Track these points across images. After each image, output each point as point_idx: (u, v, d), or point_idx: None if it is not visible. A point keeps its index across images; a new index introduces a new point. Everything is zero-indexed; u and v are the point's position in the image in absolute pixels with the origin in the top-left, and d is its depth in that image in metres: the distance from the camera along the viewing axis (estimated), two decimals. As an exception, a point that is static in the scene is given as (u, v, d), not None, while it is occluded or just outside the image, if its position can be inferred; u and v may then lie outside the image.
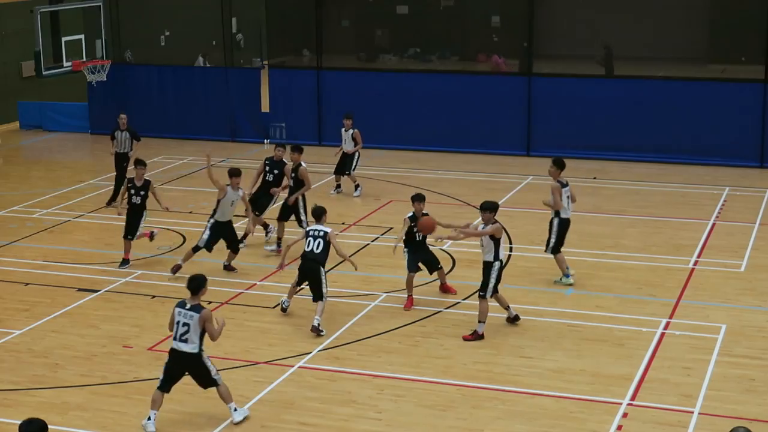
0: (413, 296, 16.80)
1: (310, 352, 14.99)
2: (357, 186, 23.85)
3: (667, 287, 17.59)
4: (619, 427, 12.76)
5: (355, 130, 23.71)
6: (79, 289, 17.67)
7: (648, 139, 27.09)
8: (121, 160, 23.37)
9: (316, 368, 14.49)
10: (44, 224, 21.69)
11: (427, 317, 16.30)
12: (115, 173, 23.48)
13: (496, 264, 15.45)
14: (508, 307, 15.96)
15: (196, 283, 12.64)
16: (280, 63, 33.30)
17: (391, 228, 20.95)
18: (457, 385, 13.96)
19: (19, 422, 9.37)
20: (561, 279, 17.73)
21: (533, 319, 16.12)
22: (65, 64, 25.99)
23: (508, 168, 26.62)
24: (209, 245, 18.32)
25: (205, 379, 12.79)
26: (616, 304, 16.82)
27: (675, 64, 31.84)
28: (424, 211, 16.77)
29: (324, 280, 15.90)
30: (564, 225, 17.63)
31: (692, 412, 13.09)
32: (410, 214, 16.79)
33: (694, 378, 14.08)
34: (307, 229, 16.40)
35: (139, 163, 19.18)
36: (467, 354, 14.95)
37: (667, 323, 15.97)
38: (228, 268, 18.60)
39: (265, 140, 30.18)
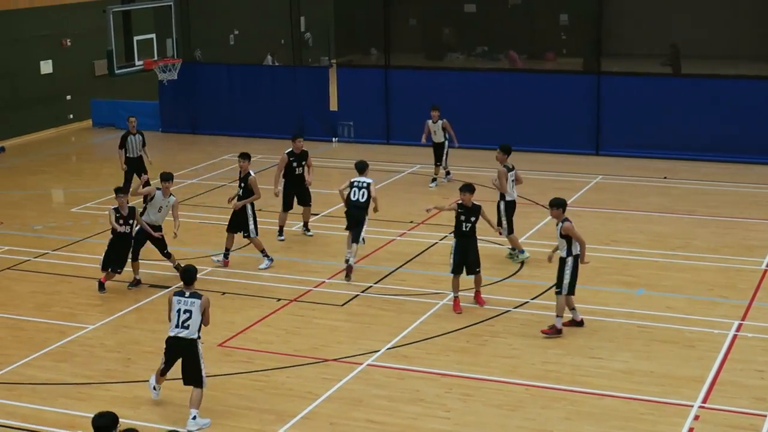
0: (459, 297, 16.58)
1: (378, 350, 15.00)
2: (447, 173, 24.73)
3: (739, 288, 17.33)
4: (690, 430, 12.59)
5: (444, 120, 24.15)
6: (151, 285, 17.86)
7: (717, 138, 26.71)
8: (135, 164, 23.22)
9: (384, 366, 14.49)
10: (116, 221, 21.90)
11: (495, 316, 16.22)
12: (124, 180, 23.17)
13: (569, 260, 15.33)
14: (574, 308, 15.76)
15: (190, 274, 13.15)
16: (348, 62, 33.40)
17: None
18: (526, 384, 13.88)
19: (92, 415, 9.50)
20: (516, 254, 18.64)
21: (602, 319, 15.97)
22: (137, 62, 26.28)
23: (576, 167, 26.42)
24: (136, 249, 17.78)
25: (194, 375, 12.86)
26: (687, 305, 16.60)
27: (745, 62, 31.36)
28: (475, 202, 16.56)
29: (365, 225, 18.05)
30: (510, 207, 18.55)
31: (765, 416, 12.88)
32: (459, 202, 16.65)
33: (767, 381, 13.85)
34: (352, 180, 18.32)
35: (120, 191, 17.60)
36: (536, 354, 14.85)
37: (740, 325, 15.73)
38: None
39: (334, 139, 30.26)
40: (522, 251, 18.72)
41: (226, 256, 18.84)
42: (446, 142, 24.30)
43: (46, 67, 32.59)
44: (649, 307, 16.57)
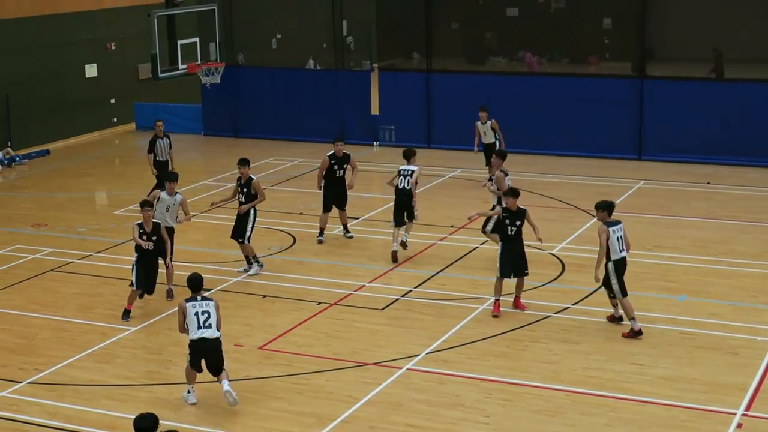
0: (500, 301, 16.56)
1: (418, 355, 14.98)
2: (491, 177, 24.13)
3: (783, 295, 17.16)
4: (733, 438, 12.48)
5: (493, 120, 24.14)
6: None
7: (761, 143, 26.45)
8: (163, 167, 23.29)
9: (424, 371, 14.47)
10: (159, 223, 22.04)
11: (535, 321, 16.16)
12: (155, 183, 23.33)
13: (609, 265, 15.44)
14: (633, 318, 15.60)
15: (196, 282, 13.55)
16: (390, 65, 33.32)
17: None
18: (566, 390, 13.81)
19: (133, 417, 9.56)
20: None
21: (644, 325, 15.84)
22: (180, 66, 26.43)
23: (618, 172, 26.26)
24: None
25: (220, 366, 13.36)
26: (730, 312, 16.44)
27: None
28: (520, 206, 16.51)
29: (415, 208, 19.15)
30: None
31: (809, 424, 12.73)
32: (503, 205, 16.70)
33: (811, 389, 13.69)
34: (400, 168, 19.28)
35: (146, 204, 17.10)
36: (576, 359, 14.77)
37: (783, 332, 15.57)
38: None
39: (375, 142, 30.29)
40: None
41: (249, 262, 18.80)
42: (496, 143, 24.19)
43: (91, 70, 32.92)
44: (692, 313, 16.43)
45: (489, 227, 18.88)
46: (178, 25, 27.25)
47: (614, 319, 16.01)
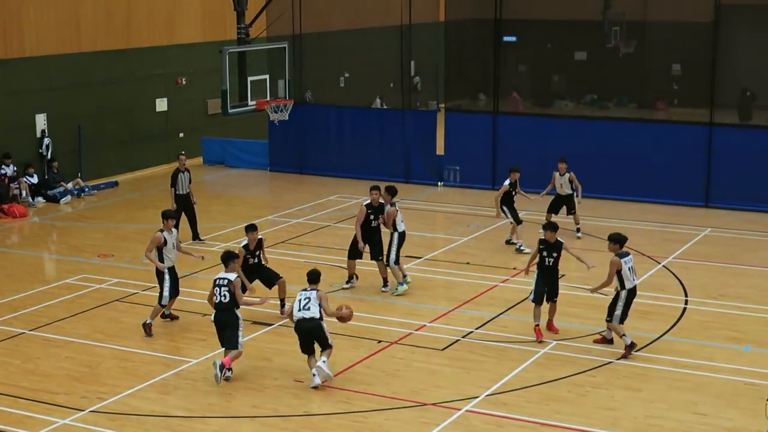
0: (540, 326, 17.23)
1: (477, 396, 14.91)
2: (578, 228, 24.19)
3: None
4: (797, 493, 12.23)
5: (572, 173, 23.82)
6: (254, 322, 18.03)
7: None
8: (184, 202, 23.46)
9: (482, 413, 14.40)
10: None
11: (597, 367, 16.01)
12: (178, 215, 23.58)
13: (622, 293, 16.30)
14: (624, 335, 16.40)
15: (314, 275, 15.56)
16: (456, 106, 33.44)
17: (563, 275, 20.65)
18: (627, 438, 13.65)
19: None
20: (397, 288, 19.61)
21: (708, 375, 15.64)
22: (250, 102, 26.66)
23: (685, 219, 26.02)
24: (173, 290, 17.82)
25: (322, 343, 15.37)
26: (797, 364, 16.18)
27: None
28: (558, 238, 17.29)
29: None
30: (401, 238, 19.80)
31: None
32: (541, 237, 17.54)
33: None
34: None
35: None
36: (638, 407, 14.61)
37: None
38: (169, 316, 18.28)
39: (439, 183, 30.31)
40: (401, 283, 19.66)
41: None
42: (574, 193, 23.97)
43: (162, 104, 33.41)
44: (758, 364, 16.18)
45: (392, 257, 19.61)
46: (249, 62, 27.52)
47: (604, 341, 16.73)
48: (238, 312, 15.66)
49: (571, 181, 23.88)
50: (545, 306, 17.42)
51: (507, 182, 23.02)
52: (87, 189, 29.83)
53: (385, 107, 37.53)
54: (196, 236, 23.74)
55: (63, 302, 19.42)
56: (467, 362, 16.27)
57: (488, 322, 18.09)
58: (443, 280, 20.83)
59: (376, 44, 39.24)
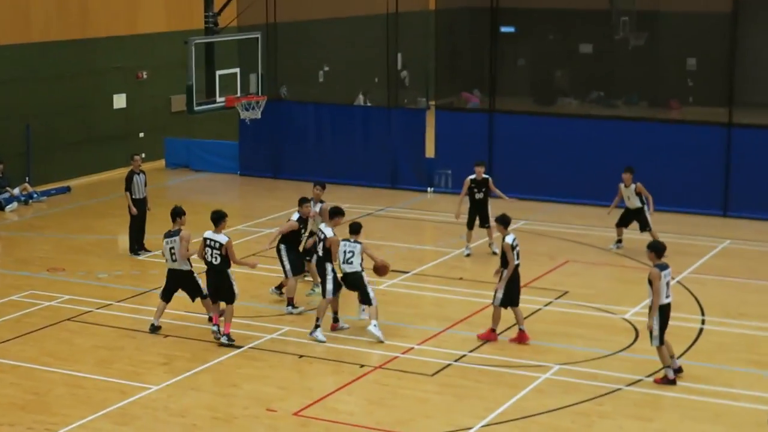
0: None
1: (471, 428, 14.87)
2: (619, 240, 24.05)
3: None
4: None
5: (638, 184, 23.41)
6: (221, 344, 17.96)
7: None
8: (141, 207, 23.60)
9: (477, 446, 14.37)
10: (187, 271, 22.14)
11: (604, 394, 16.00)
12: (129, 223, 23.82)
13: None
14: (672, 356, 16.34)
15: (356, 227, 18.42)
16: (448, 104, 33.48)
17: (567, 292, 20.70)
18: (637, 474, 13.62)
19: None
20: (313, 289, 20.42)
21: (727, 403, 15.64)
22: (218, 99, 26.60)
23: (701, 229, 26.05)
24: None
25: (363, 296, 18.23)
26: (825, 391, 16.19)
27: None
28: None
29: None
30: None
31: None
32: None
33: None
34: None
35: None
36: (649, 439, 14.59)
37: None
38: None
39: (429, 189, 30.30)
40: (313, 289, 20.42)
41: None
42: (645, 207, 23.59)
43: (120, 101, 33.33)
44: (782, 391, 16.21)
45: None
46: (218, 54, 27.47)
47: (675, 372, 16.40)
48: (230, 271, 17.78)
49: (639, 193, 23.39)
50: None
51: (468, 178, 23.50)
52: (36, 195, 29.71)
53: (368, 105, 37.53)
54: (141, 247, 23.60)
55: (8, 322, 19.31)
56: (460, 389, 16.23)
57: (483, 344, 18.05)
58: (433, 297, 20.79)
59: (359, 35, 39.25)
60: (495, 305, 18.07)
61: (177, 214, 19.33)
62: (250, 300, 20.17)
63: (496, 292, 18.06)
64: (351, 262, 18.09)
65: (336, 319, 18.65)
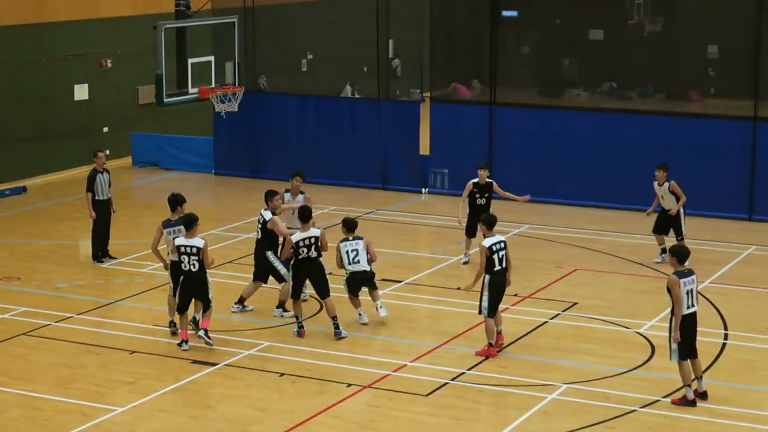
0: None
1: (469, 453, 14.87)
2: (664, 250, 23.40)
3: None
4: None
5: (671, 182, 23.19)
6: (194, 361, 17.93)
7: None
8: (105, 210, 23.49)
9: (476, 474, 14.37)
10: (156, 281, 22.13)
11: (617, 417, 16.00)
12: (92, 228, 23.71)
13: (672, 321, 16.11)
14: (700, 377, 16.29)
15: (351, 224, 19.66)
16: (445, 96, 33.41)
17: (575, 303, 20.70)
18: (654, 505, 13.62)
19: None
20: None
21: (754, 426, 15.64)
22: (191, 90, 26.56)
23: (723, 234, 26.08)
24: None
25: (374, 285, 19.69)
26: None
27: None
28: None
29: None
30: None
31: None
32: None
33: None
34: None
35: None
36: (667, 466, 14.59)
37: None
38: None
39: (424, 189, 30.29)
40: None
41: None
42: (681, 211, 23.38)
43: (81, 92, 33.26)
44: (813, 413, 16.22)
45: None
46: (190, 41, 27.47)
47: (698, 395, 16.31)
48: (207, 275, 18.25)
49: (673, 192, 23.17)
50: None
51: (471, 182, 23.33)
52: (-12, 196, 29.69)
53: (357, 96, 37.50)
54: (104, 254, 23.54)
55: (-43, 336, 19.28)
56: (457, 411, 16.22)
57: (483, 361, 18.04)
58: (428, 309, 20.78)
59: (346, 19, 39.21)
60: (484, 317, 18.18)
61: (178, 201, 19.64)
62: (224, 313, 20.14)
63: (480, 302, 18.16)
64: (358, 261, 19.15)
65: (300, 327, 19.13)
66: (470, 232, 23.20)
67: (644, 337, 19.05)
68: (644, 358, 18.14)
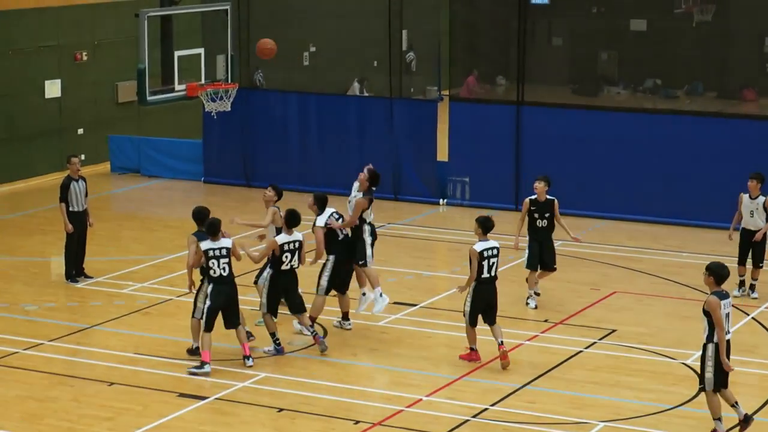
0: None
1: (493, 500, 14.93)
2: (753, 286, 23.01)
3: None
4: None
5: (767, 197, 22.47)
6: (181, 395, 17.97)
7: None
8: (81, 222, 23.52)
9: None
10: (138, 303, 22.20)
11: (660, 459, 16.07)
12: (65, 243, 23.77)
13: (710, 347, 15.96)
14: (736, 404, 16.13)
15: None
16: (465, 94, 33.48)
17: (614, 330, 20.73)
18: None
19: None
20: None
21: (815, 470, 15.69)
22: (177, 87, 26.62)
23: (781, 252, 26.09)
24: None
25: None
26: None
27: None
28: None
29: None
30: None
31: None
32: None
33: None
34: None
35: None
36: None
37: None
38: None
39: (441, 200, 30.31)
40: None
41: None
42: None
43: (53, 88, 33.34)
44: None
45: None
46: (177, 31, 27.51)
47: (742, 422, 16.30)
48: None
49: (766, 209, 22.42)
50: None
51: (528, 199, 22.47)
52: (-53, 206, 29.79)
53: (366, 94, 37.59)
54: (79, 273, 23.58)
55: None
56: (479, 452, 16.30)
57: (509, 395, 18.07)
58: (446, 336, 20.81)
59: (354, 7, 39.28)
60: (466, 322, 19.10)
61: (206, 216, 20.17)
62: (216, 339, 20.17)
63: (463, 305, 19.14)
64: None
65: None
66: (531, 263, 22.19)
67: (691, 368, 19.05)
68: (691, 393, 18.14)
